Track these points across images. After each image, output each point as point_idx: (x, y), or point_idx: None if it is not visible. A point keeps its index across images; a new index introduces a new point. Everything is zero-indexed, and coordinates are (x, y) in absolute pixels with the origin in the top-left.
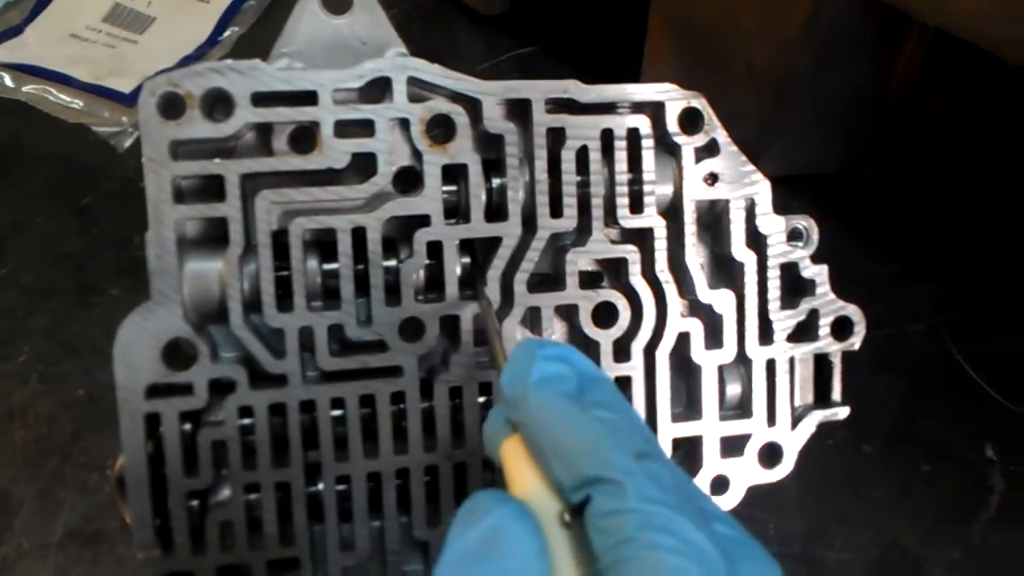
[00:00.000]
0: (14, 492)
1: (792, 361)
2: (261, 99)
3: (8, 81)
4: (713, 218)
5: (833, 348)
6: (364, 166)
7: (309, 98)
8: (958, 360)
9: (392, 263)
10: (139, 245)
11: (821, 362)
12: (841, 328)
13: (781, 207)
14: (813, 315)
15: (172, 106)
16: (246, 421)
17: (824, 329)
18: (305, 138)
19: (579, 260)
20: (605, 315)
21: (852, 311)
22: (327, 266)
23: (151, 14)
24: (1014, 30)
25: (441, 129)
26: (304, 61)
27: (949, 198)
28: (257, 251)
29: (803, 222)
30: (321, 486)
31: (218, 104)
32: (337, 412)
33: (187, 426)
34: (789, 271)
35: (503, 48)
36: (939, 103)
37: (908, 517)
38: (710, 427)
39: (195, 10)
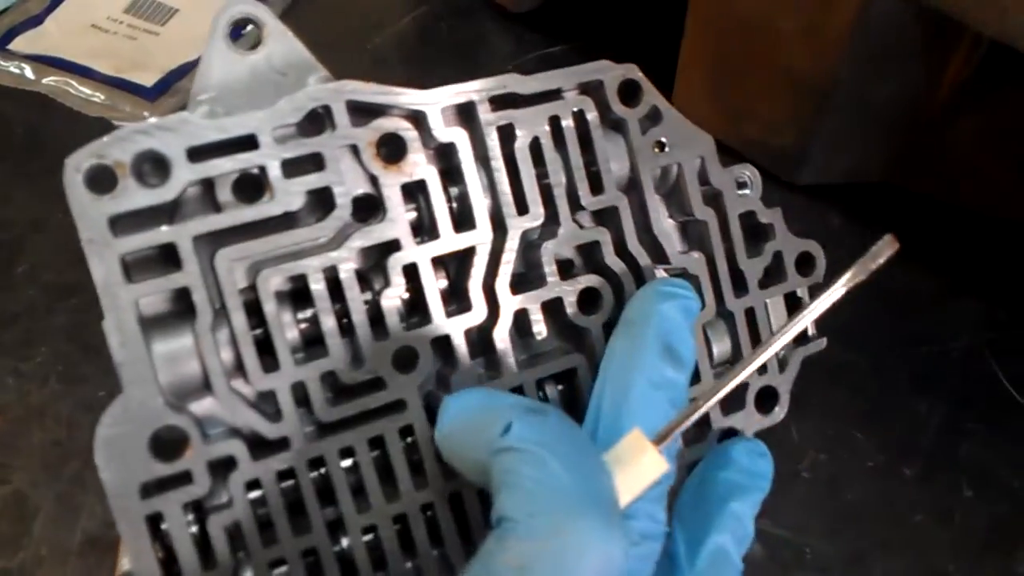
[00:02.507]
0: (32, 497)
1: (766, 307)
2: (197, 153)
3: (29, 73)
4: (669, 186)
5: (801, 284)
6: (321, 202)
7: (248, 143)
8: (1002, 381)
9: (369, 295)
10: None
11: (792, 301)
12: (804, 264)
13: (819, 218)
14: (778, 257)
15: (102, 179)
16: (255, 494)
17: (790, 268)
18: (250, 185)
19: (553, 251)
20: (590, 301)
21: (812, 246)
22: (303, 314)
23: (173, 5)
24: None
25: (390, 146)
26: (225, 105)
27: (995, 210)
28: (228, 314)
29: (746, 171)
30: (346, 542)
31: (152, 167)
32: (347, 462)
33: (191, 517)
34: (747, 220)
35: (532, 46)
36: (992, 113)
37: (950, 544)
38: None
39: (218, 1)
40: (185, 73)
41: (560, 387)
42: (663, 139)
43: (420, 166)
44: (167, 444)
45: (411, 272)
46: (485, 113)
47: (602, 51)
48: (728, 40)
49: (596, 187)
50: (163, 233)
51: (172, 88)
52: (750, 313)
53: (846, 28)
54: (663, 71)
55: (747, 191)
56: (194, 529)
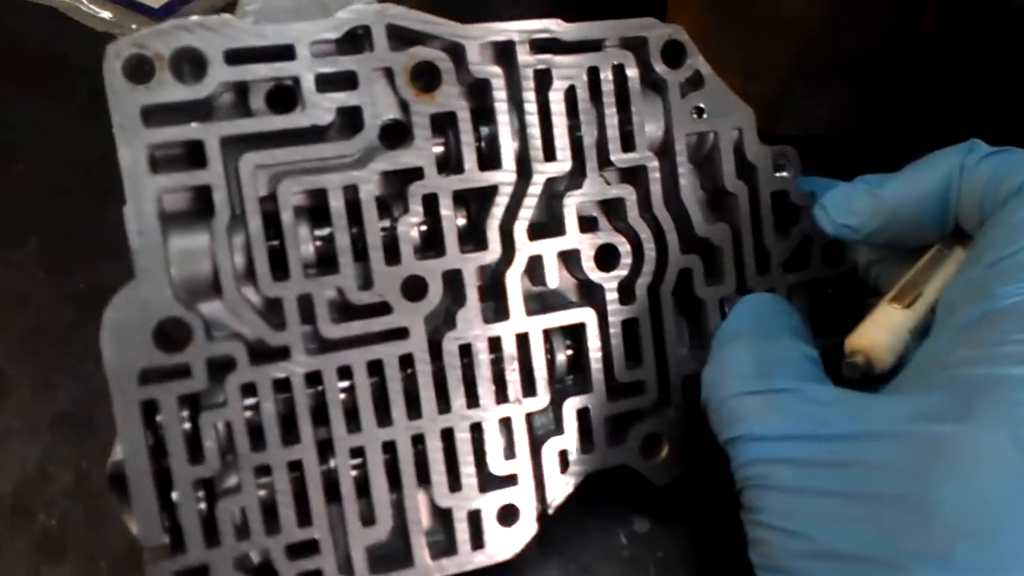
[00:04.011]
0: (9, 374)
1: (789, 290)
2: (235, 57)
3: None
4: (703, 155)
5: (826, 273)
6: (349, 121)
7: (286, 53)
8: None
9: (387, 222)
10: None
11: (816, 291)
12: (832, 253)
13: (801, 168)
14: (806, 242)
15: (140, 69)
16: (250, 400)
17: (816, 255)
18: (284, 96)
19: (576, 203)
20: (607, 258)
21: None
22: (320, 231)
23: None
24: None
25: (426, 78)
26: (271, 19)
27: None
28: (245, 219)
29: (786, 153)
30: (334, 462)
31: (190, 64)
32: (344, 383)
33: (185, 411)
34: (780, 199)
35: None
36: (958, 66)
37: None
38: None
39: None
40: None
41: (568, 342)
42: (702, 105)
43: (452, 99)
44: (171, 336)
45: (431, 204)
46: (524, 55)
47: None
48: None
49: (628, 145)
50: (192, 129)
51: (180, 10)
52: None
53: None
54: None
55: (784, 173)
56: (187, 426)
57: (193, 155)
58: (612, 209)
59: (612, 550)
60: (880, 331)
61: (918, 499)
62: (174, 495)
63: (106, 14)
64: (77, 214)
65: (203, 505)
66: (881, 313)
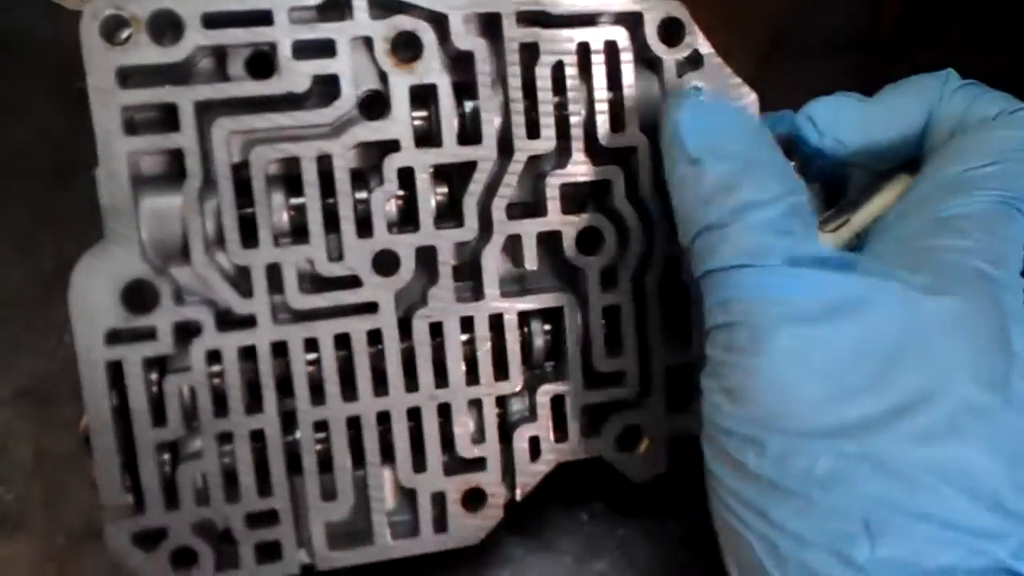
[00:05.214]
0: None
1: None
2: (213, 20)
3: None
4: None
5: None
6: (327, 90)
7: (264, 18)
8: None
9: (363, 194)
10: None
11: None
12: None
13: None
14: None
15: (117, 30)
16: (215, 367)
17: None
18: (262, 62)
19: (559, 184)
20: (590, 241)
21: None
22: (294, 200)
23: None
24: None
25: (407, 48)
26: None
27: None
28: (218, 184)
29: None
30: (298, 434)
31: (167, 28)
32: (311, 355)
33: (153, 374)
34: None
35: None
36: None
37: None
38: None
39: None
40: None
41: (547, 327)
42: (700, 85)
43: (434, 71)
44: (139, 298)
45: (408, 178)
46: (511, 28)
47: None
48: None
49: (617, 125)
50: (166, 92)
51: None
52: None
53: None
54: None
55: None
56: (153, 388)
57: (167, 118)
58: (598, 191)
59: (573, 526)
60: None
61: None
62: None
63: None
64: (46, 192)
65: (165, 468)
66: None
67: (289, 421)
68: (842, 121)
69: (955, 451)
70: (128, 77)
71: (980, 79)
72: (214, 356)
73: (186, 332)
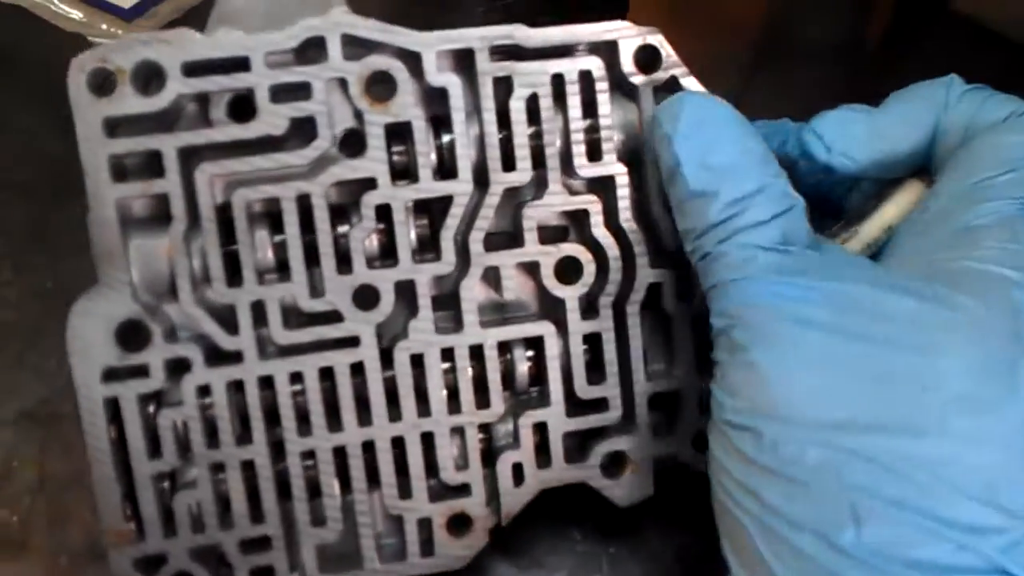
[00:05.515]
0: None
1: None
2: (193, 69)
3: None
4: None
5: None
6: (305, 131)
7: (242, 64)
8: None
9: (343, 229)
10: None
11: None
12: None
13: None
14: None
15: (103, 82)
16: (206, 400)
17: None
18: (244, 106)
19: (537, 214)
20: (569, 270)
21: None
22: (278, 237)
23: None
24: None
25: (382, 87)
26: (245, 27)
27: None
28: (202, 226)
29: None
30: (287, 462)
31: (151, 77)
32: (297, 387)
33: (151, 408)
34: None
35: None
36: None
37: None
38: (688, 380)
39: None
40: None
41: (529, 353)
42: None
43: (408, 108)
44: (133, 336)
45: (385, 213)
46: (484, 63)
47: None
48: None
49: (594, 153)
50: (151, 139)
51: (149, 12)
52: None
53: None
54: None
55: None
56: (148, 422)
57: (153, 164)
58: (577, 220)
59: (565, 544)
60: None
61: (922, 369)
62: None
63: (76, 14)
64: (43, 212)
65: (164, 497)
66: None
67: (278, 450)
68: (849, 135)
69: (947, 446)
70: (116, 126)
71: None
72: (204, 390)
73: (178, 368)
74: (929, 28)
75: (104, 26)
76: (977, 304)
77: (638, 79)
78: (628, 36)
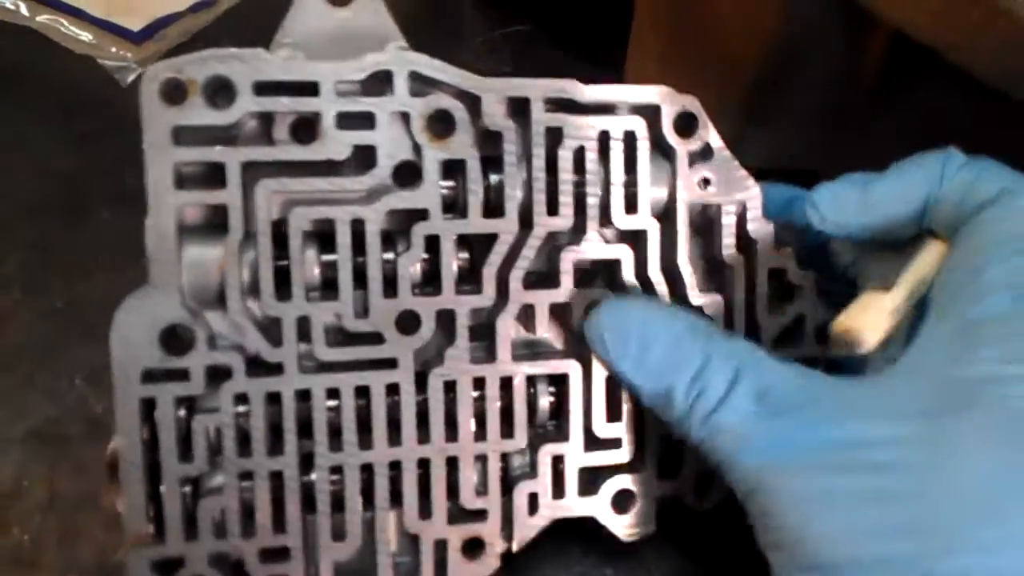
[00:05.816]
0: None
1: None
2: (263, 88)
3: (24, 10)
4: (705, 222)
5: (817, 353)
6: (364, 158)
7: (311, 89)
8: None
9: (390, 256)
10: (132, 174)
11: None
12: (824, 333)
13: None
14: (799, 320)
15: (174, 92)
16: (242, 408)
17: (809, 335)
18: (306, 129)
19: (573, 259)
20: None
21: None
22: (326, 257)
23: None
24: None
25: (441, 124)
26: (306, 52)
27: None
28: (257, 239)
29: (786, 230)
30: (315, 476)
31: (220, 92)
32: (332, 403)
33: (182, 412)
34: (777, 276)
35: (499, 23)
36: (907, 108)
37: None
38: None
39: None
40: (172, 21)
41: (552, 389)
42: (709, 176)
43: (464, 146)
44: (176, 340)
45: (433, 243)
46: (539, 112)
47: (562, 33)
48: (674, 24)
49: (631, 207)
50: (217, 152)
51: (158, 34)
52: None
53: (774, 13)
54: (617, 51)
55: (788, 247)
56: (181, 425)
57: (214, 175)
58: (608, 267)
59: (564, 561)
60: (860, 311)
61: (921, 493)
62: (162, 488)
63: (86, 36)
64: (54, 232)
65: (188, 501)
66: (865, 296)
67: (307, 463)
68: (842, 206)
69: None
70: (179, 134)
71: (965, 123)
72: (241, 399)
73: (217, 375)
74: (924, 69)
75: (113, 48)
76: (972, 421)
77: (676, 142)
78: (670, 101)
